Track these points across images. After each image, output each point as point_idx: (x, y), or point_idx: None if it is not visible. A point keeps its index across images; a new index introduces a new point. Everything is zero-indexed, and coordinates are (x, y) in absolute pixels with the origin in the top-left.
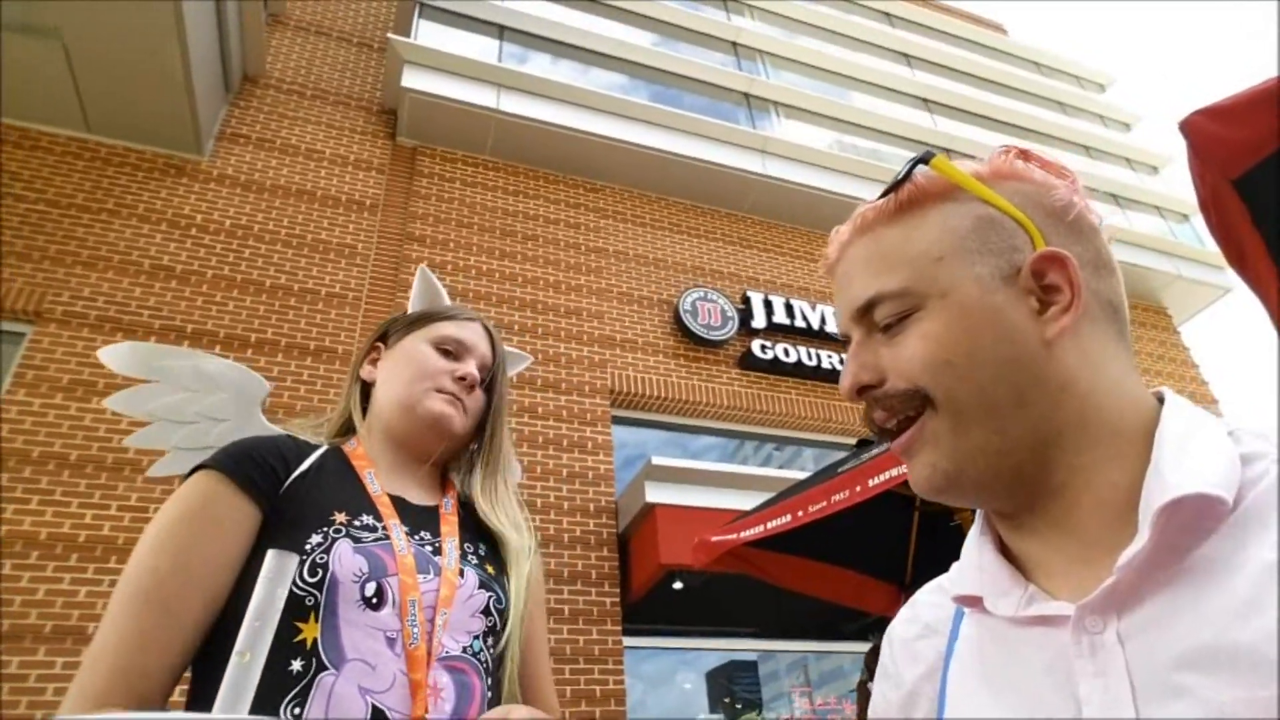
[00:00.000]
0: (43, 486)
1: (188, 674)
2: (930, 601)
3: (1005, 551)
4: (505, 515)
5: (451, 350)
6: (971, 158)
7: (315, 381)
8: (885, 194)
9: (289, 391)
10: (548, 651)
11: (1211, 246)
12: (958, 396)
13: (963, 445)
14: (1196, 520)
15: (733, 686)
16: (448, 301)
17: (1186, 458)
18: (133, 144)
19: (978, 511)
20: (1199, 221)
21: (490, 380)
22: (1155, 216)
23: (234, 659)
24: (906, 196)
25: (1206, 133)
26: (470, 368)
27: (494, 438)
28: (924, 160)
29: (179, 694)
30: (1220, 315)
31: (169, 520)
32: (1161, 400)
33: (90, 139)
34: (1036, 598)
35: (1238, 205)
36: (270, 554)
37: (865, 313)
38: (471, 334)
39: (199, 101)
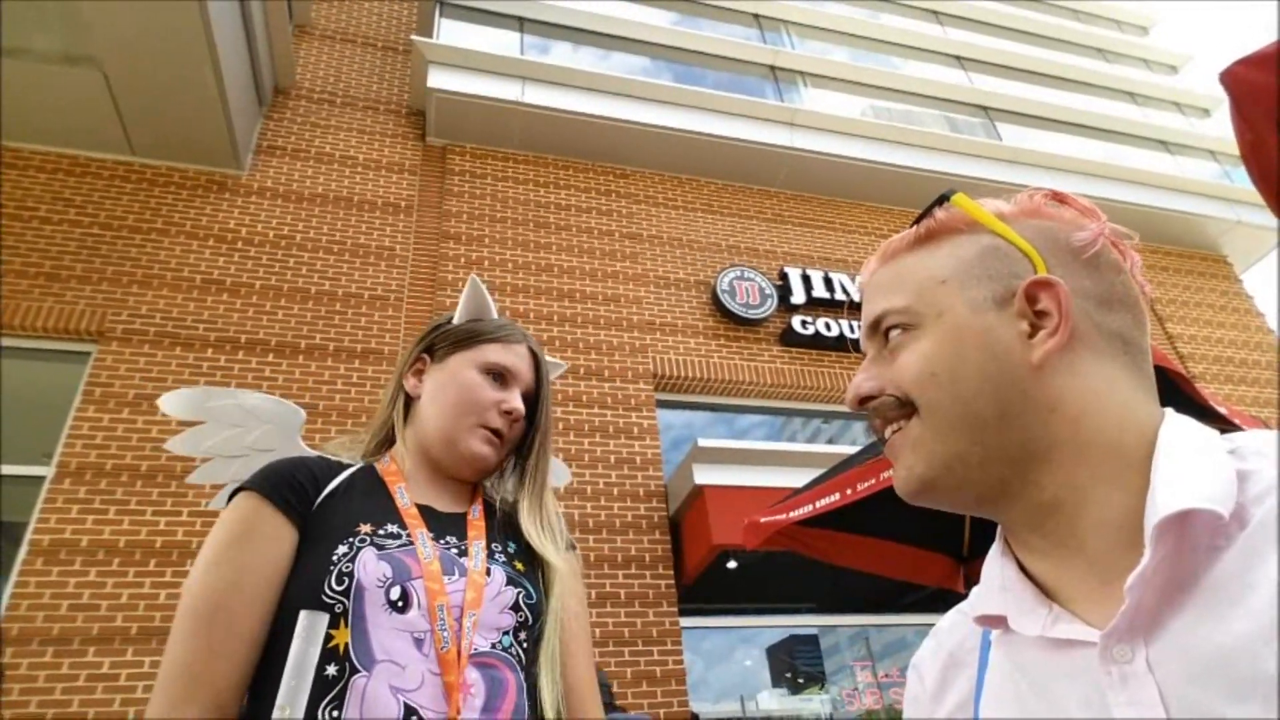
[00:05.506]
0: (118, 497)
1: None
2: (953, 629)
3: (1026, 574)
4: (550, 540)
5: (499, 376)
6: (1045, 185)
7: (364, 383)
8: (912, 226)
9: (340, 395)
10: (591, 660)
11: None
12: (940, 406)
13: (940, 452)
14: (1207, 538)
15: (794, 661)
16: (495, 314)
17: (1180, 475)
18: (175, 164)
19: (997, 533)
20: None
21: (534, 403)
22: (1210, 161)
23: (276, 712)
24: (926, 229)
25: (1248, 82)
26: (516, 400)
27: (540, 462)
28: (945, 198)
29: None
30: None
31: (220, 544)
32: None
33: (135, 161)
34: (1062, 618)
35: None
36: (302, 614)
37: (875, 329)
38: (518, 359)
39: (234, 117)
